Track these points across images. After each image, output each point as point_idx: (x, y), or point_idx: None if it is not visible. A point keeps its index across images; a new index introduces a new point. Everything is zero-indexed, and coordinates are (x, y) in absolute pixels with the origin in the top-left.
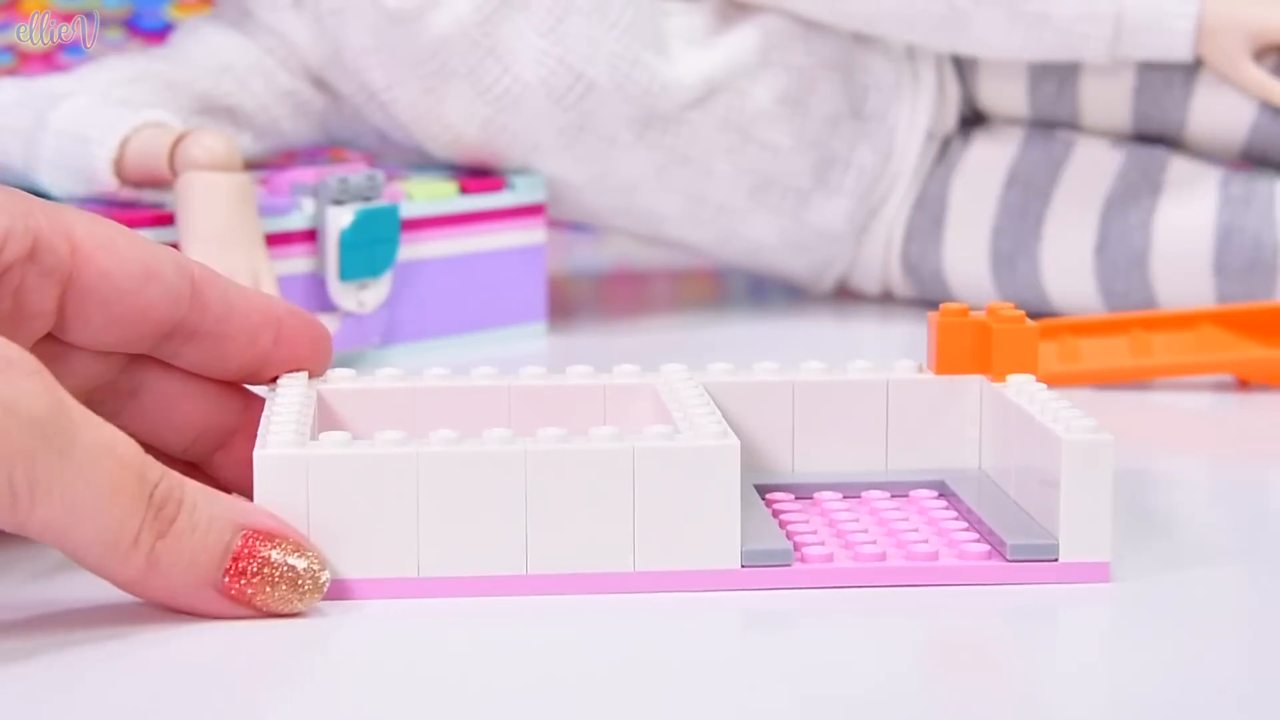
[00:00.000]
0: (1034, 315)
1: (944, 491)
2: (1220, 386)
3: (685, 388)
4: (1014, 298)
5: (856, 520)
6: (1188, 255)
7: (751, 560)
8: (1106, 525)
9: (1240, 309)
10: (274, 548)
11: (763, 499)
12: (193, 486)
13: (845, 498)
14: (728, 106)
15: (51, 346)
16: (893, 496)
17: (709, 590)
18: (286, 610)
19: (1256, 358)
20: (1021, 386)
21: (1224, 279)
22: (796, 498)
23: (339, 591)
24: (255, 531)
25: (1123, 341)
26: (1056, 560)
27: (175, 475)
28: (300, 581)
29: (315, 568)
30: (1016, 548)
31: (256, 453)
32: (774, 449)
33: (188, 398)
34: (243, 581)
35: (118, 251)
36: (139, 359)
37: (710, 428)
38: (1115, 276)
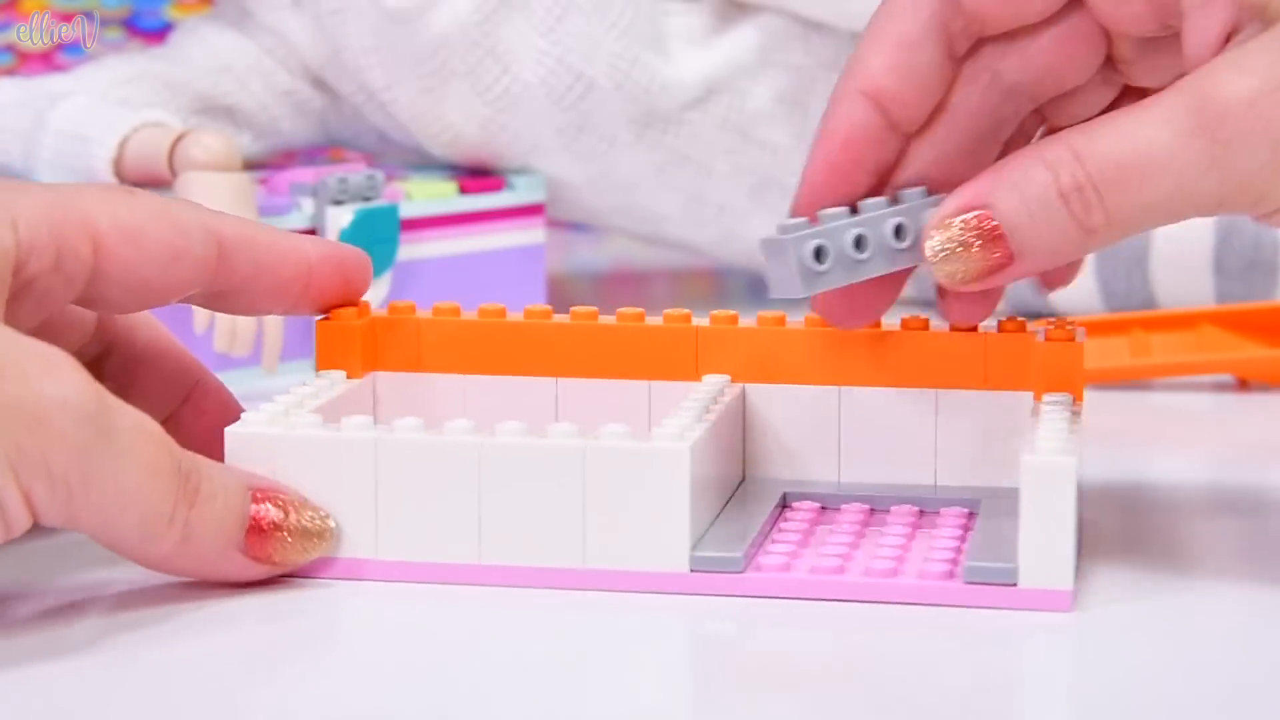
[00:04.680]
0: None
1: (975, 511)
2: (1220, 386)
3: (725, 390)
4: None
5: (841, 533)
6: (1187, 255)
7: (700, 565)
8: (1068, 551)
9: (1240, 309)
10: (283, 504)
11: (785, 507)
12: (199, 456)
13: (874, 511)
14: (727, 106)
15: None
16: (922, 514)
17: (657, 592)
18: (305, 560)
19: (1256, 358)
20: (1047, 404)
21: (1224, 279)
22: (822, 508)
23: (299, 569)
24: (261, 490)
25: (1123, 341)
26: (1015, 585)
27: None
28: (311, 530)
29: (322, 514)
30: (973, 569)
31: (228, 430)
32: (820, 458)
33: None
34: (263, 539)
35: (143, 239)
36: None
37: (672, 430)
38: (1115, 276)
